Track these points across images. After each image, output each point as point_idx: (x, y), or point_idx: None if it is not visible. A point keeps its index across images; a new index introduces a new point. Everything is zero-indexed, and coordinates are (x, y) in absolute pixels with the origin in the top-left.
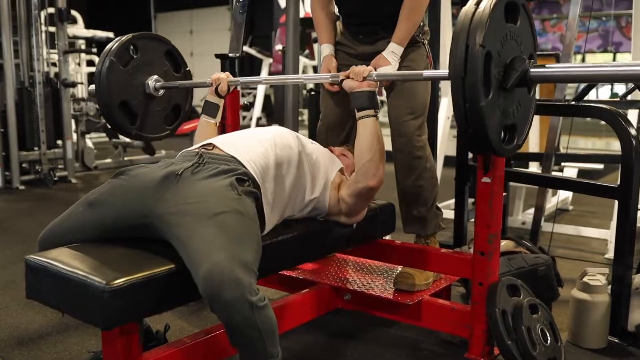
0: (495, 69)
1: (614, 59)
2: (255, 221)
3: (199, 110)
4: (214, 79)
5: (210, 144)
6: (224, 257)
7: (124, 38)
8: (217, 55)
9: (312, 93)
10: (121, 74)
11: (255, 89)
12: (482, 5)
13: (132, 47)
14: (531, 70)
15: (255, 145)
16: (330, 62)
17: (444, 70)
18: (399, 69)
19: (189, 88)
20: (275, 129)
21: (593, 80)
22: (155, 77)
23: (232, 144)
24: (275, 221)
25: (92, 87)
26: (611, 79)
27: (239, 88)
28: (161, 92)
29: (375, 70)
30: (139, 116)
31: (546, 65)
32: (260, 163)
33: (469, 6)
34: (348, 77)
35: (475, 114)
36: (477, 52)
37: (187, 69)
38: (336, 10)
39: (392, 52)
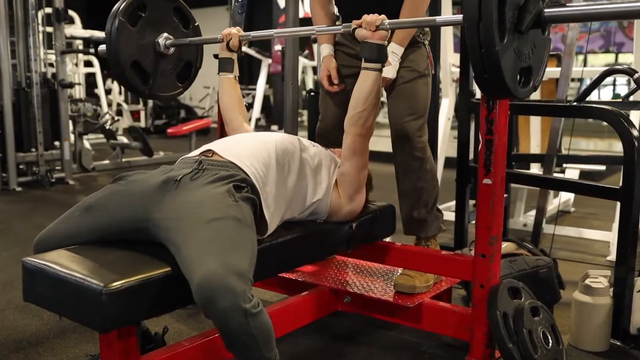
0: (509, 11)
1: (616, 60)
2: (251, 227)
3: (198, 111)
4: (225, 35)
5: (209, 150)
6: (217, 264)
7: None
8: (215, 56)
9: (312, 93)
10: (131, 34)
11: (254, 89)
12: None
13: (140, 5)
14: (545, 10)
15: (256, 149)
16: (329, 62)
17: (458, 15)
18: (398, 70)
19: (199, 44)
20: (276, 133)
21: (610, 18)
22: (165, 35)
23: (231, 149)
24: (276, 224)
25: (103, 47)
26: (629, 14)
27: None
28: (172, 50)
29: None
30: (151, 75)
31: (560, 4)
32: (260, 168)
33: None
34: (360, 27)
35: (491, 59)
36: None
37: (196, 24)
38: (336, 10)
39: (392, 52)
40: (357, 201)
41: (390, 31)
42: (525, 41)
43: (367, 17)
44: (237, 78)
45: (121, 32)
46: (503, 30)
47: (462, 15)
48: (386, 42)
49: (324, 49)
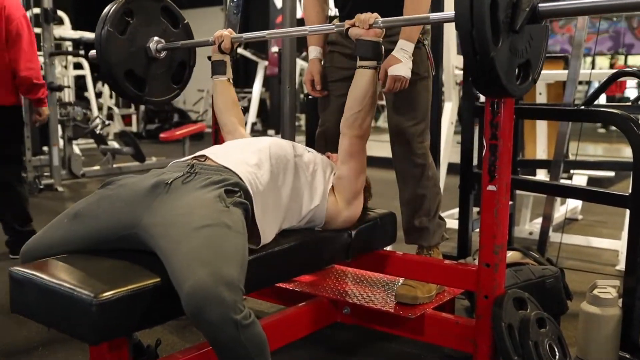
0: (502, 13)
1: (626, 62)
2: (242, 234)
3: (192, 115)
4: (217, 37)
5: (202, 155)
6: (206, 273)
7: (117, 4)
8: (209, 58)
9: (310, 97)
10: (121, 43)
11: (250, 92)
12: None
13: (127, 12)
14: (540, 5)
15: (250, 155)
16: (314, 66)
17: (450, 12)
18: None
19: (190, 39)
20: (270, 138)
21: (608, 11)
22: (156, 38)
23: (225, 154)
24: (273, 233)
25: (93, 52)
26: (628, 7)
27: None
28: (164, 53)
29: (387, 70)
30: (146, 82)
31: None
32: (254, 173)
33: None
34: (354, 25)
35: (486, 64)
36: (482, 5)
37: (185, 22)
38: (330, 11)
39: (402, 49)
40: (354, 207)
41: (384, 30)
42: (521, 37)
43: (361, 16)
44: (230, 80)
45: (111, 42)
46: (497, 34)
47: (453, 13)
48: (381, 40)
49: (311, 52)
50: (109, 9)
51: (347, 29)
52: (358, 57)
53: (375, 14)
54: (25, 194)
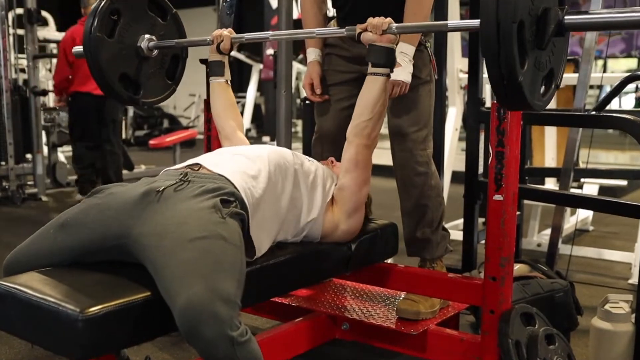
0: (528, 31)
1: (639, 65)
2: (239, 247)
3: (183, 121)
4: (216, 36)
5: (196, 164)
6: (202, 288)
7: (102, 5)
8: (202, 61)
9: (307, 102)
10: (111, 47)
11: (244, 97)
12: None
13: (112, 11)
14: (565, 18)
15: (246, 163)
16: (314, 69)
17: (473, 21)
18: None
19: (180, 30)
20: (269, 146)
21: (635, 27)
22: (147, 36)
23: (220, 162)
24: (268, 245)
25: (79, 48)
26: None
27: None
28: (155, 51)
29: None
30: (141, 83)
31: (581, 12)
32: (250, 182)
33: None
34: (366, 30)
35: (514, 89)
36: (510, 29)
37: (174, 11)
38: (329, 12)
39: (402, 53)
40: (354, 221)
41: (398, 36)
42: (546, 52)
43: (373, 20)
44: (229, 82)
45: (101, 48)
46: (524, 55)
47: (478, 21)
48: (395, 46)
49: (310, 54)
50: (94, 10)
51: (359, 33)
52: (370, 64)
53: (389, 19)
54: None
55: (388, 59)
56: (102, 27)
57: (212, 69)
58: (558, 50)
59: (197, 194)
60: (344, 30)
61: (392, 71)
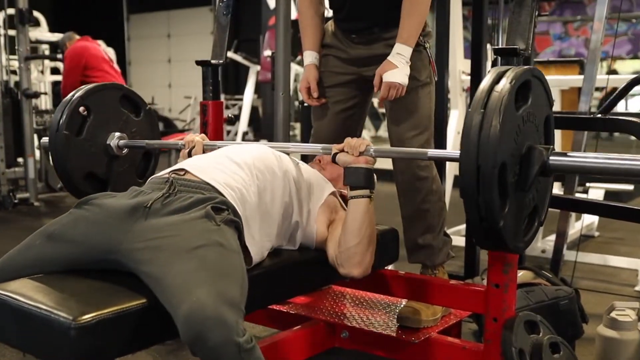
0: (510, 173)
1: None
2: (238, 253)
3: (179, 124)
4: (188, 142)
5: (182, 169)
6: (206, 293)
7: (72, 101)
8: (198, 62)
9: (305, 105)
10: (78, 145)
11: (241, 100)
12: (488, 114)
13: (82, 109)
14: (550, 159)
15: (233, 169)
16: (310, 72)
17: (455, 151)
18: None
19: (153, 127)
20: (256, 149)
21: (623, 174)
22: (117, 134)
23: (206, 168)
24: (263, 254)
25: (45, 140)
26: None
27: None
28: (126, 150)
29: (382, 77)
30: (109, 181)
31: (567, 154)
32: (239, 190)
33: (474, 116)
34: (342, 151)
35: (493, 231)
36: (491, 174)
37: (147, 108)
38: (327, 12)
39: (399, 54)
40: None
41: (376, 159)
42: (530, 192)
43: (351, 142)
44: None
45: (68, 147)
46: (505, 198)
47: (457, 152)
48: (373, 166)
49: (307, 57)
50: (63, 106)
51: (335, 154)
52: (349, 187)
53: (367, 141)
54: None
55: (367, 180)
56: (70, 125)
57: None
58: (542, 187)
59: (186, 205)
60: (319, 147)
61: (372, 192)
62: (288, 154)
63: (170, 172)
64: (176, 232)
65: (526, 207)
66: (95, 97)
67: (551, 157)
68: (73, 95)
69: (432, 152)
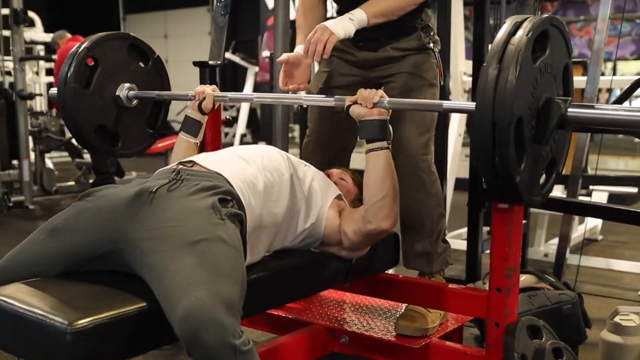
0: (527, 127)
1: None
2: (239, 250)
3: (175, 126)
4: (198, 92)
5: (190, 161)
6: (204, 293)
7: (79, 53)
8: (195, 63)
9: (305, 106)
10: (87, 98)
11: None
12: (504, 69)
13: (90, 60)
14: (569, 111)
15: (242, 164)
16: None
17: (470, 103)
18: (401, 77)
19: (163, 77)
20: (263, 148)
21: (638, 126)
22: (127, 85)
23: (215, 161)
24: (262, 253)
25: (53, 92)
26: None
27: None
28: (135, 101)
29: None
30: (119, 134)
31: (586, 106)
32: (247, 182)
33: (490, 71)
34: (355, 103)
35: (510, 188)
36: (507, 130)
37: (156, 55)
38: (330, 12)
39: (350, 13)
40: (358, 253)
41: (390, 111)
42: (547, 144)
43: (364, 93)
44: (198, 144)
45: (77, 100)
46: (522, 153)
47: (473, 104)
48: (387, 117)
49: (299, 50)
50: (70, 58)
51: (348, 106)
52: (365, 141)
53: (380, 91)
54: None
55: (382, 131)
56: (78, 77)
57: (188, 125)
58: (560, 138)
59: (192, 192)
60: (332, 99)
61: (389, 142)
62: (301, 105)
63: (178, 163)
64: (180, 222)
65: (543, 160)
66: (102, 48)
67: (569, 109)
68: (79, 47)
69: (447, 103)
